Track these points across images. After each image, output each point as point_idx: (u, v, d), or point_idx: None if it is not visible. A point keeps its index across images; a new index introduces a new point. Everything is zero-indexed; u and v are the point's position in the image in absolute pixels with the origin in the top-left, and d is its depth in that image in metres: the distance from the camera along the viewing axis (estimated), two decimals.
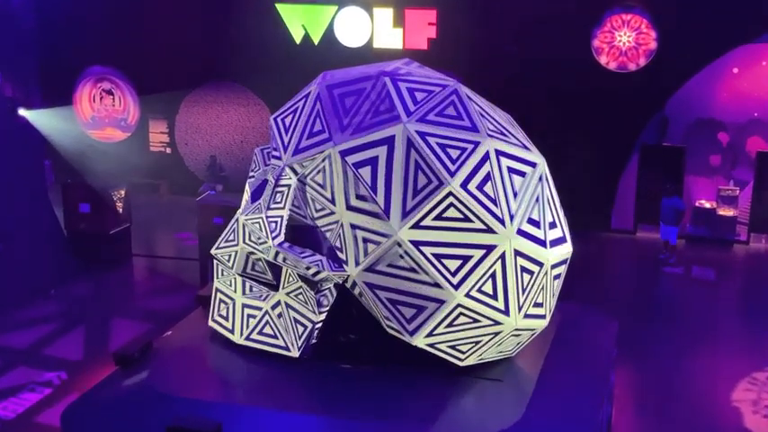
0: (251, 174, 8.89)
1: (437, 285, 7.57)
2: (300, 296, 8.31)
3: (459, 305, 7.60)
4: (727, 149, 19.87)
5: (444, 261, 7.53)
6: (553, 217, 8.06)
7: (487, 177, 7.60)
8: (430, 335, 7.81)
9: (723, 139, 19.85)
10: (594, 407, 8.05)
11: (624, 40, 19.40)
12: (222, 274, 8.86)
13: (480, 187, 7.55)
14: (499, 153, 7.75)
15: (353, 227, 7.78)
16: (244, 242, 8.49)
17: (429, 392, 7.95)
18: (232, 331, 8.76)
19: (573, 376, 8.43)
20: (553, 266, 7.98)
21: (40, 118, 19.34)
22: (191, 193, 20.24)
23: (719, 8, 18.54)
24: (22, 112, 18.54)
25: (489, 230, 7.52)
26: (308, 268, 7.98)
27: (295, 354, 8.38)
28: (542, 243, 7.82)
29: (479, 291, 7.61)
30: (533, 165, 7.95)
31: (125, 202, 18.14)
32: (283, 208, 8.20)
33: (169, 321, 9.97)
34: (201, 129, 23.01)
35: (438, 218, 7.51)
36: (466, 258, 7.53)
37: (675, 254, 18.14)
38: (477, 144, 7.67)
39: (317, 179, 8.02)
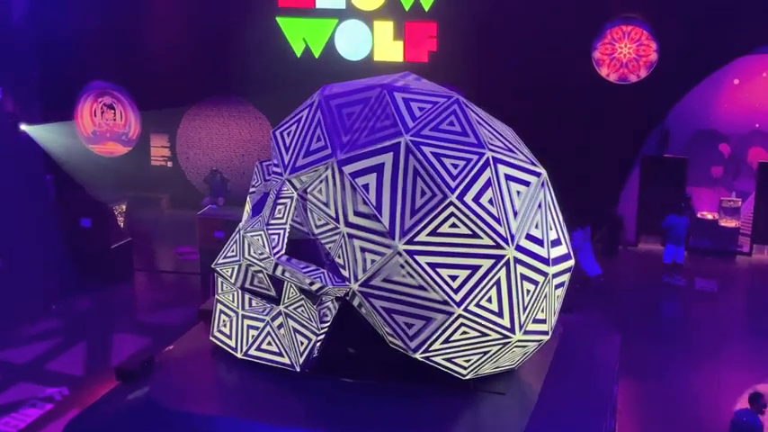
0: (252, 187, 8.88)
1: (438, 299, 7.53)
2: (302, 310, 8.28)
3: (460, 317, 7.56)
4: (729, 160, 19.88)
5: (445, 274, 7.49)
6: (556, 230, 8.02)
7: (491, 190, 7.56)
8: (431, 348, 7.77)
9: (725, 151, 19.86)
10: (597, 420, 8.01)
11: (625, 52, 19.42)
12: (223, 289, 8.83)
13: (483, 200, 7.50)
14: (502, 165, 7.72)
15: (354, 239, 7.76)
16: (245, 256, 8.48)
17: (431, 406, 7.90)
18: (234, 346, 8.73)
19: (576, 389, 8.38)
20: (555, 275, 7.95)
21: (41, 133, 19.39)
22: (192, 207, 20.25)
23: (720, 19, 18.58)
24: (23, 127, 18.60)
25: (492, 242, 7.47)
26: (311, 284, 7.95)
27: (297, 368, 8.35)
28: (545, 255, 7.78)
29: (481, 303, 7.56)
30: (537, 174, 7.92)
31: (126, 216, 18.14)
32: (284, 222, 8.19)
33: (171, 336, 9.95)
34: (203, 143, 23.05)
35: (440, 231, 7.46)
36: (468, 270, 7.49)
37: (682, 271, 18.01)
38: (480, 156, 7.65)
39: (318, 193, 8.00)
